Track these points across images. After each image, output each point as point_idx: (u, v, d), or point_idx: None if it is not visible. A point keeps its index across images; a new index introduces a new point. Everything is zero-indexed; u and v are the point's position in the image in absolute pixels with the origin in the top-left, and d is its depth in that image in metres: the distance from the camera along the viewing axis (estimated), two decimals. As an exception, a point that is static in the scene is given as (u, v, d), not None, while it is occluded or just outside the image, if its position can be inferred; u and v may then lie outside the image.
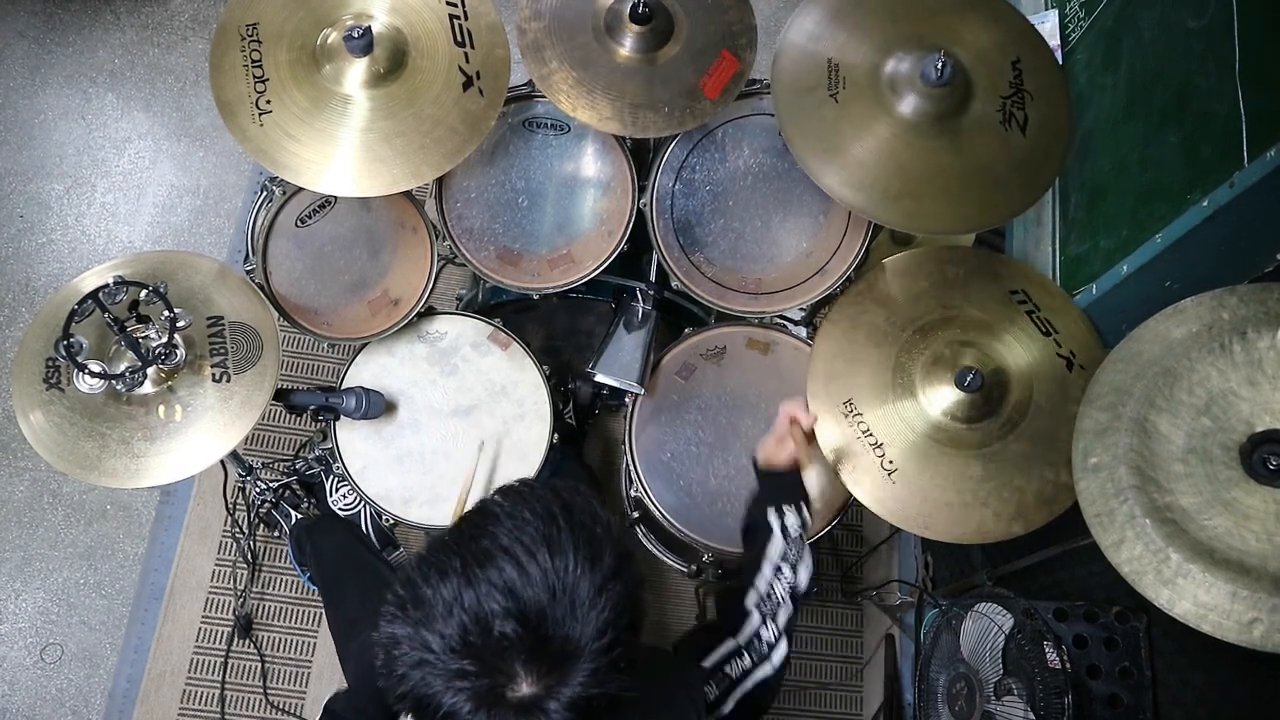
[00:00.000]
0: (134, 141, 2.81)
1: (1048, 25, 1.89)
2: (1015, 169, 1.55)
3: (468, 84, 1.58)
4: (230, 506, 2.28)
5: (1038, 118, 1.57)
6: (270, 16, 1.53)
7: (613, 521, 0.92)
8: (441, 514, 1.78)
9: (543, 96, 1.66)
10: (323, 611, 2.32)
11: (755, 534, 1.34)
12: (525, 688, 0.82)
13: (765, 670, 1.22)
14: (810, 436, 1.50)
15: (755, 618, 1.25)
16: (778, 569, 1.28)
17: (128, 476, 1.46)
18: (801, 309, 1.90)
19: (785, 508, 1.33)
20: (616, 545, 0.90)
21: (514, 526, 0.87)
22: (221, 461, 1.55)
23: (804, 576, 1.30)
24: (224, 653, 2.26)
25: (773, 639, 1.24)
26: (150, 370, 1.47)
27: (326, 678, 2.27)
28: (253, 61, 1.50)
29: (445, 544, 0.89)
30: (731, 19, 1.71)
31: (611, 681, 0.84)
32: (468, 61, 1.59)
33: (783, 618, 1.26)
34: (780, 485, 1.39)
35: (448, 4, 1.61)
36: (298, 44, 1.53)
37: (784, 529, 1.31)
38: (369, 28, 1.50)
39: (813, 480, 1.43)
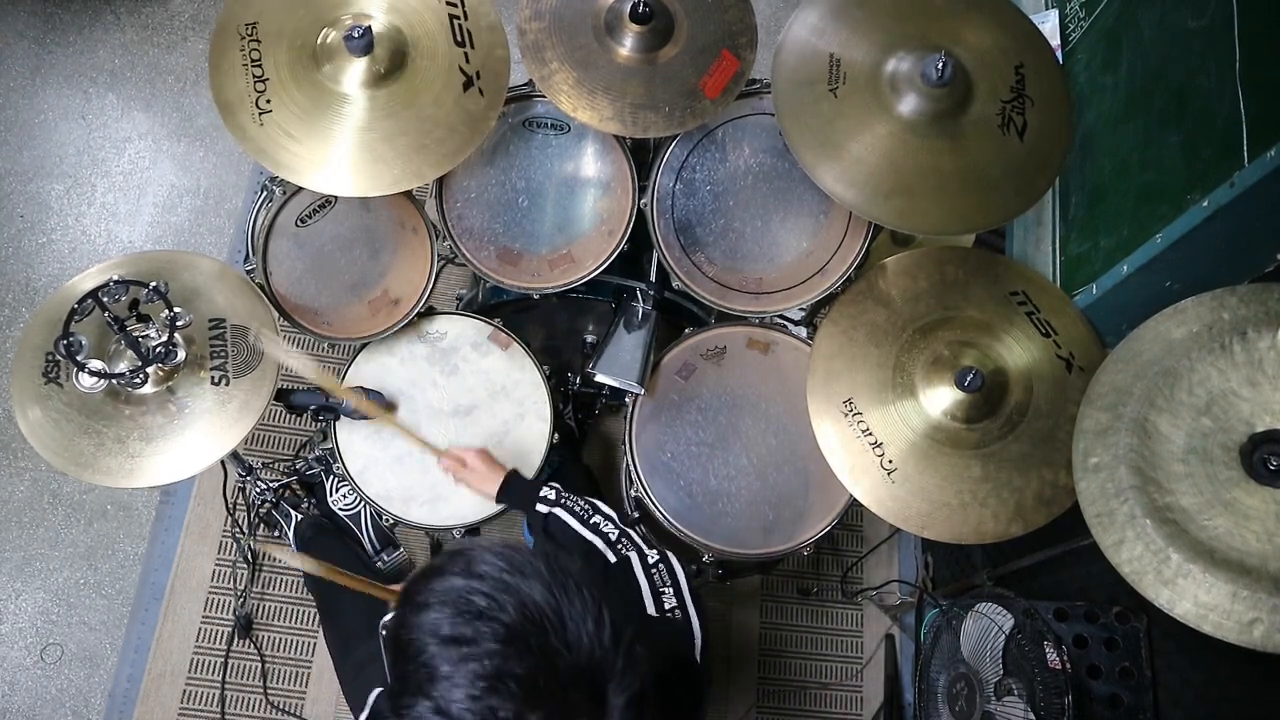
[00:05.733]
0: (134, 141, 2.81)
1: (1048, 25, 1.90)
2: (1010, 174, 1.54)
3: (468, 84, 1.58)
4: (230, 506, 2.28)
5: (1037, 124, 1.56)
6: (269, 15, 1.53)
7: (486, 547, 0.84)
8: (442, 514, 1.78)
9: (543, 96, 1.66)
10: (323, 612, 2.32)
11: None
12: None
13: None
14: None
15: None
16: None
17: (123, 476, 1.46)
18: (801, 309, 1.90)
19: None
20: (522, 555, 0.83)
21: (438, 640, 0.78)
22: (221, 461, 1.55)
23: None
24: (224, 653, 2.26)
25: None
26: (150, 370, 1.47)
27: (327, 678, 2.27)
28: (252, 61, 1.50)
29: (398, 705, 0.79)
30: (731, 18, 1.71)
31: (640, 662, 0.81)
32: (468, 62, 1.59)
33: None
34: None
35: (448, 4, 1.61)
36: (297, 43, 1.53)
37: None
38: (369, 28, 1.50)
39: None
